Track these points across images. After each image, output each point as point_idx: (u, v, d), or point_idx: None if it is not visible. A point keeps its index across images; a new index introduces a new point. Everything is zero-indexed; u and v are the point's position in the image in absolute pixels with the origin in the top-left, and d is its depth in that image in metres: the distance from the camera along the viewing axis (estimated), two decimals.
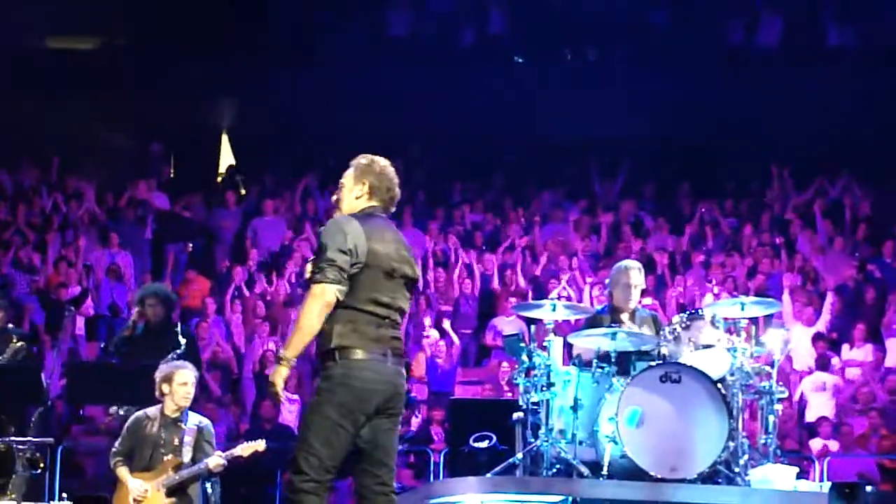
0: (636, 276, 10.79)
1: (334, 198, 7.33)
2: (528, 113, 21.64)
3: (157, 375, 10.10)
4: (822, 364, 16.41)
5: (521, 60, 22.42)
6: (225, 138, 23.95)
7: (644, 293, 11.80)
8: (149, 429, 9.99)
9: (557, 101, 21.62)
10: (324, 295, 6.75)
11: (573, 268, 18.81)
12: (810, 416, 15.84)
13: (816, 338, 16.72)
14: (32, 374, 11.40)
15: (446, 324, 17.65)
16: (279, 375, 6.77)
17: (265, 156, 23.19)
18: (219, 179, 23.01)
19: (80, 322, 17.60)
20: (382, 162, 7.25)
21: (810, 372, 16.45)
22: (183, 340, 11.07)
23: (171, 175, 22.51)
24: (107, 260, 18.81)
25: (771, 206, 21.00)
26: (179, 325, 11.69)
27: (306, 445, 6.74)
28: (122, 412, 11.05)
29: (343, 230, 6.86)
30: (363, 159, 7.28)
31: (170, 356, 10.65)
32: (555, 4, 22.01)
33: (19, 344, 11.83)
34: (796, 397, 15.96)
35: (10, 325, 12.21)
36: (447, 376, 16.84)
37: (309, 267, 6.91)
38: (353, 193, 7.20)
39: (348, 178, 7.26)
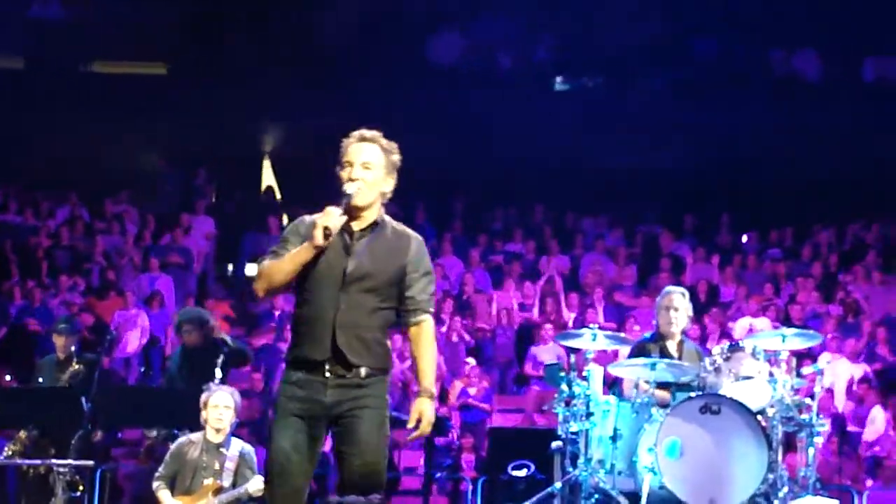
0: (679, 300, 10.67)
1: (352, 176, 6.14)
2: (569, 141, 21.57)
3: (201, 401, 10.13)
4: (860, 398, 16.32)
5: (564, 87, 22.34)
6: (267, 163, 24.01)
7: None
8: (191, 453, 10.00)
9: (599, 129, 21.56)
10: None
11: (612, 298, 18.81)
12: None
13: (857, 369, 16.65)
14: (72, 398, 11.44)
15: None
16: (432, 410, 6.24)
17: (308, 180, 23.22)
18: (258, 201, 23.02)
19: (132, 346, 17.69)
20: None
21: (852, 404, 16.36)
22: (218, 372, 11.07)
23: (214, 200, 22.58)
24: (147, 285, 18.91)
25: (814, 237, 20.93)
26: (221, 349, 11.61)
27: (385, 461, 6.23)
28: (152, 434, 11.14)
29: None
30: (394, 149, 6.26)
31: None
32: (598, 33, 21.97)
33: (78, 367, 11.89)
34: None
35: (74, 349, 12.26)
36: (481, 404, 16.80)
37: (426, 295, 6.29)
38: (382, 186, 6.21)
39: (380, 162, 6.17)
